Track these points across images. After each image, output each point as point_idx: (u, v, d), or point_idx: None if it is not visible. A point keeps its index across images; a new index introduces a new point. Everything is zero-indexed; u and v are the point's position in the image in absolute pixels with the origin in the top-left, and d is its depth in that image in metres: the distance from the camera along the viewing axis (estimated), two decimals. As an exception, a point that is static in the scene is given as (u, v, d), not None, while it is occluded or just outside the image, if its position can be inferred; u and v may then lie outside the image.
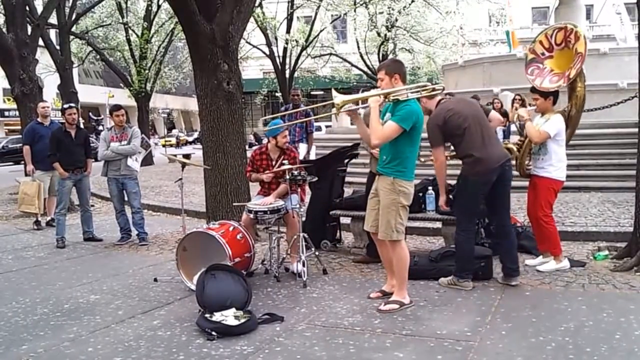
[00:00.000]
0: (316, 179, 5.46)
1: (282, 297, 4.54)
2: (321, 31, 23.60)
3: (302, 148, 8.54)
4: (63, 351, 3.54)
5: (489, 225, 5.57)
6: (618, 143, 9.70)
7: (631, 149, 7.35)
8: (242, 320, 3.79)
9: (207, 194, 6.80)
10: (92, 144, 7.75)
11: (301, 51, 22.56)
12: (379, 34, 23.97)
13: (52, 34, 18.09)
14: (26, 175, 8.54)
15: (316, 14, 22.49)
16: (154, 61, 19.76)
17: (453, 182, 4.80)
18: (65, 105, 7.29)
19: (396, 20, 23.37)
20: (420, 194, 5.50)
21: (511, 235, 4.72)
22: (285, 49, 22.17)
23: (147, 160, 16.54)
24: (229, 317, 3.81)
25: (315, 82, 31.07)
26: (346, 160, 6.33)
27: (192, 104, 45.40)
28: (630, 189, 6.22)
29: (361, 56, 25.24)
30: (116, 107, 7.02)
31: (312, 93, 33.70)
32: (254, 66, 32.79)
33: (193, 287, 4.42)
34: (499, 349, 3.38)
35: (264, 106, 36.95)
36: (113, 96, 34.57)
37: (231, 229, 4.90)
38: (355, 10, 22.46)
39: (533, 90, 5.07)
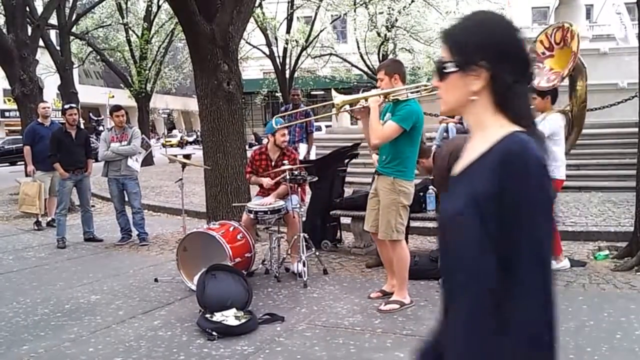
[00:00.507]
0: (316, 179, 5.46)
1: (282, 297, 4.54)
2: (321, 31, 23.59)
3: (302, 148, 8.54)
4: (64, 351, 3.55)
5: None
6: (618, 143, 9.69)
7: (631, 149, 7.34)
8: (243, 321, 3.80)
9: (208, 194, 6.80)
10: (92, 145, 7.76)
11: (301, 51, 22.55)
12: (379, 34, 23.96)
13: (53, 34, 18.08)
14: (27, 175, 8.55)
15: (316, 14, 22.48)
16: (154, 61, 19.75)
17: None
18: (66, 106, 7.30)
19: (396, 20, 23.36)
20: (421, 194, 5.50)
21: None
22: (285, 49, 22.17)
23: (148, 161, 16.54)
24: (229, 317, 3.81)
25: (315, 82, 31.06)
26: (346, 160, 6.34)
27: (193, 105, 45.37)
28: (631, 188, 6.22)
29: (361, 56, 25.22)
30: (116, 108, 7.03)
31: (312, 93, 33.69)
32: (254, 66, 32.77)
33: (193, 287, 4.42)
34: (499, 349, 3.38)
35: (264, 106, 36.94)
36: (113, 96, 34.55)
37: (231, 229, 4.90)
38: (355, 11, 22.45)
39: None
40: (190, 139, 44.09)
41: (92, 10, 19.57)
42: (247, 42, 21.64)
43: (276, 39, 23.12)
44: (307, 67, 28.03)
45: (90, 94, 35.66)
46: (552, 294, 1.21)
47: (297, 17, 23.95)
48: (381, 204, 4.12)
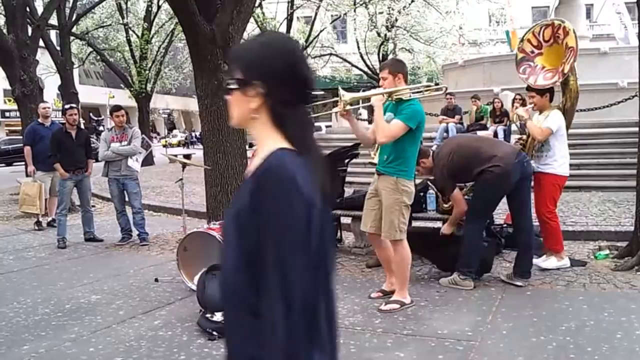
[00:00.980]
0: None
1: (283, 297, 4.54)
2: (321, 31, 23.59)
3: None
4: (64, 351, 3.55)
5: (490, 225, 5.57)
6: (618, 142, 9.69)
7: (632, 148, 7.34)
8: (243, 320, 3.79)
9: (208, 194, 6.79)
10: (92, 145, 7.75)
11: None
12: (379, 34, 23.96)
13: (53, 34, 18.09)
14: (27, 175, 8.55)
15: (316, 14, 22.49)
16: (154, 62, 19.75)
17: None
18: (66, 106, 7.30)
19: (396, 20, 23.35)
20: (421, 194, 5.50)
21: (530, 236, 4.71)
22: (285, 49, 22.15)
23: (148, 161, 16.53)
24: (230, 317, 3.81)
25: (316, 82, 31.06)
26: (346, 160, 6.33)
27: (193, 105, 45.35)
28: (631, 188, 6.22)
29: (361, 56, 25.22)
30: (116, 108, 7.02)
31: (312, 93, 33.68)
32: (254, 66, 32.75)
33: (194, 287, 4.42)
34: (500, 349, 3.38)
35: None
36: (114, 97, 34.55)
37: (232, 229, 4.89)
38: (355, 10, 22.46)
39: (529, 88, 5.09)
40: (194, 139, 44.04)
41: (92, 10, 19.57)
42: (247, 42, 21.62)
43: (276, 39, 23.10)
44: (307, 67, 28.00)
45: (90, 94, 35.65)
46: (295, 323, 1.14)
47: (297, 17, 23.96)
48: (384, 204, 4.10)
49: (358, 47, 25.41)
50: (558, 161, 4.88)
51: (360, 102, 4.23)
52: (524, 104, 9.27)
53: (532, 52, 5.17)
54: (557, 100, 5.17)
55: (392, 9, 22.22)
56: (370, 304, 4.25)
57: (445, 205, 5.03)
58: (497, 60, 14.59)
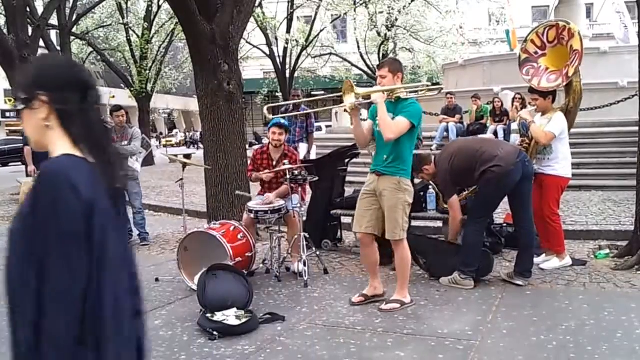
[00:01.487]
0: (317, 178, 5.46)
1: (283, 297, 4.55)
2: (321, 31, 23.61)
3: (303, 148, 8.53)
4: (65, 351, 3.55)
5: (490, 224, 5.57)
6: (618, 142, 9.69)
7: (632, 148, 7.34)
8: (244, 320, 3.80)
9: (208, 194, 6.80)
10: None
11: (301, 51, 22.56)
12: (379, 34, 23.97)
13: (53, 35, 18.11)
14: (27, 176, 8.56)
15: (316, 14, 22.49)
16: (154, 62, 19.75)
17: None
18: (112, 107, 7.28)
19: (396, 19, 23.37)
20: (421, 193, 5.50)
21: (531, 236, 4.71)
22: (285, 49, 22.17)
23: (148, 161, 16.54)
24: (230, 316, 3.82)
25: (316, 82, 31.06)
26: (347, 160, 6.33)
27: (193, 105, 45.32)
28: (631, 187, 6.22)
29: (361, 56, 25.24)
30: (116, 108, 7.02)
31: (312, 93, 33.70)
32: (254, 66, 32.75)
33: (194, 287, 4.42)
34: (500, 348, 3.38)
35: (264, 106, 36.95)
36: (114, 97, 34.57)
37: (232, 228, 4.90)
38: (355, 10, 22.47)
39: (531, 90, 5.06)
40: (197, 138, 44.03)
41: (93, 10, 19.57)
42: (247, 42, 21.65)
43: (276, 38, 23.13)
44: (307, 66, 28.04)
45: (90, 94, 35.63)
46: (65, 329, 1.21)
47: (297, 17, 23.97)
48: (387, 204, 4.08)
49: (358, 47, 25.43)
50: (560, 163, 4.88)
51: (361, 99, 4.23)
52: (523, 103, 9.30)
53: (536, 53, 5.14)
54: (558, 101, 5.17)
55: (392, 9, 22.25)
56: (370, 304, 4.25)
57: (446, 205, 5.04)
58: (497, 60, 14.59)
